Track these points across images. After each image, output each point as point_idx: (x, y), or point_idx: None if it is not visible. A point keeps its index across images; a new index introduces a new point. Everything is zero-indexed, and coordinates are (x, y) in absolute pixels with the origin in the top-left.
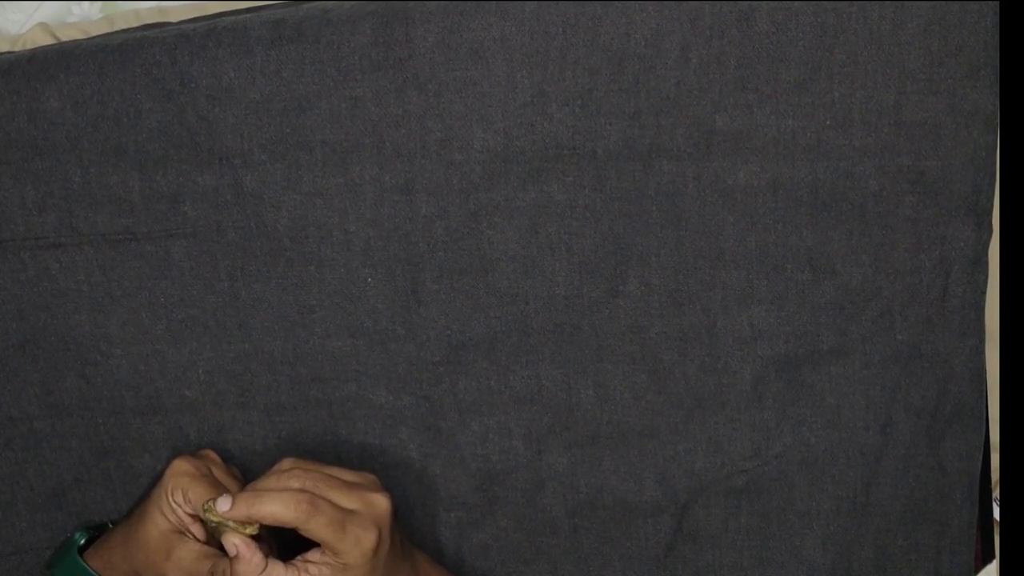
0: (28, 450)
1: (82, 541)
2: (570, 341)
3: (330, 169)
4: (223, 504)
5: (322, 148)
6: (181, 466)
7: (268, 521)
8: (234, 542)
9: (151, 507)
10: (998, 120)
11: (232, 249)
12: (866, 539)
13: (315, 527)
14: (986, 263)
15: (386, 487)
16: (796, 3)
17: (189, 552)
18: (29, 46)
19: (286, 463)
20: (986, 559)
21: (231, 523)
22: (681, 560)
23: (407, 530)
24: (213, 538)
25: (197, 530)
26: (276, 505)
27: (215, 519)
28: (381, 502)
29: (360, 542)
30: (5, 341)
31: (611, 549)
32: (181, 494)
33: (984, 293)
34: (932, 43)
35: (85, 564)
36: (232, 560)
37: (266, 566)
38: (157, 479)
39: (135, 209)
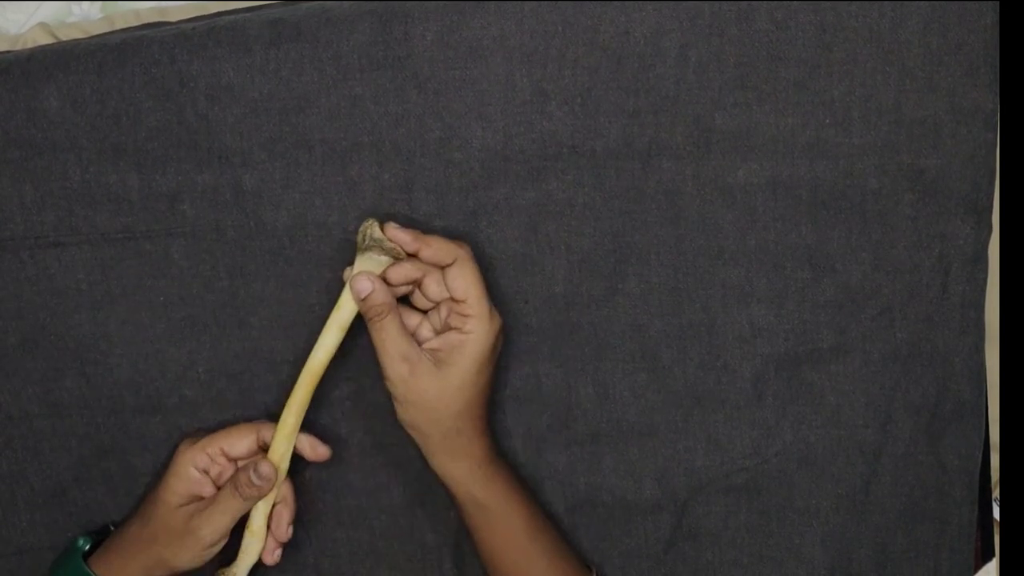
0: (28, 449)
1: (87, 547)
2: (569, 339)
3: (329, 168)
4: (393, 229)
5: (321, 147)
6: (184, 445)
7: (430, 258)
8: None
9: (161, 492)
10: (998, 118)
11: (232, 248)
12: (866, 537)
13: (469, 272)
14: (986, 261)
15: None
16: (795, 2)
17: (207, 511)
18: (29, 46)
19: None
20: (986, 557)
21: (384, 253)
22: (681, 558)
23: (408, 529)
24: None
25: (209, 490)
26: (441, 243)
27: (375, 236)
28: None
29: (493, 316)
30: (5, 340)
31: (611, 547)
32: (200, 457)
33: (984, 291)
34: (931, 41)
35: (89, 570)
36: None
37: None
38: (160, 471)
39: (134, 208)
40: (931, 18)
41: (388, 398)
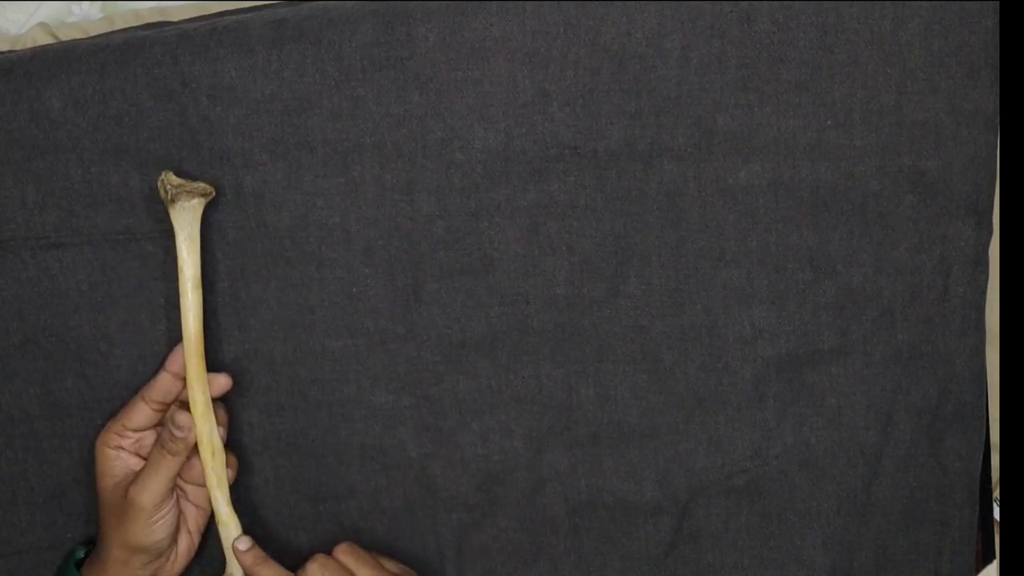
0: (28, 450)
1: (81, 555)
2: (571, 341)
3: (331, 169)
4: (243, 543)
5: (323, 148)
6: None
7: None
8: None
9: (97, 483)
10: (998, 120)
11: (232, 249)
12: (867, 539)
13: None
14: (986, 263)
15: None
16: (797, 3)
17: (139, 478)
18: (29, 46)
19: (342, 547)
20: (986, 559)
21: (193, 195)
22: (682, 560)
23: (408, 532)
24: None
25: (134, 461)
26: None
27: (175, 182)
28: None
29: None
30: (5, 341)
31: (611, 549)
32: (108, 437)
33: (984, 293)
34: (933, 43)
35: None
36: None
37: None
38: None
39: (136, 209)
40: (932, 20)
41: (385, 402)
